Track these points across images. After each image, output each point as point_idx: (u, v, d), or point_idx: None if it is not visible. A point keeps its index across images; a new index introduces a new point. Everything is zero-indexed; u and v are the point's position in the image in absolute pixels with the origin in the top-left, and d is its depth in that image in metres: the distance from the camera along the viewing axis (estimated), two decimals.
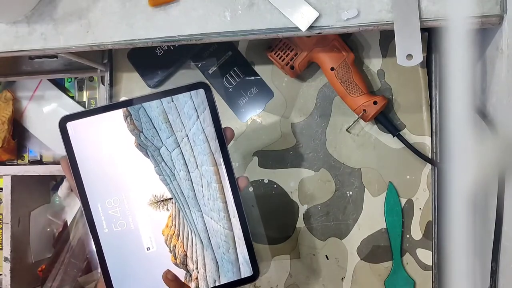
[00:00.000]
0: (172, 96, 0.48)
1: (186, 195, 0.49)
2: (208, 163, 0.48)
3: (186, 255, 0.49)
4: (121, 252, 0.49)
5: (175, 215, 0.49)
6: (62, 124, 0.48)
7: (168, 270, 0.48)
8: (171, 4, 0.52)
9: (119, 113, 0.48)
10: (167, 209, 0.49)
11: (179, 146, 0.48)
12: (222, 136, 0.48)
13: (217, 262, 0.49)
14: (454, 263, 0.24)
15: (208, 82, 0.48)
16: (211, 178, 0.49)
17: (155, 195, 0.49)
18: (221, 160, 0.48)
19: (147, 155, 0.49)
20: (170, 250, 0.49)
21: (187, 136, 0.48)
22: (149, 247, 0.49)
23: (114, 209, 0.48)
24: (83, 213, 0.48)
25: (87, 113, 0.49)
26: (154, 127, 0.48)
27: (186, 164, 0.49)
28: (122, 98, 0.70)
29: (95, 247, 0.48)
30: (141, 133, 0.48)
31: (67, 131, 0.48)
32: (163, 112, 0.48)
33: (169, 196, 0.49)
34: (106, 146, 0.48)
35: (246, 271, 0.49)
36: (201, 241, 0.49)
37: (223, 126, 0.49)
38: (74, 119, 0.48)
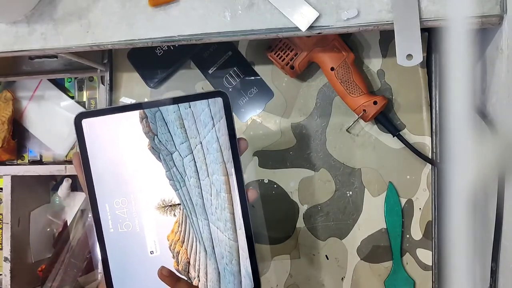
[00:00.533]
0: (190, 102, 0.48)
1: (194, 202, 0.49)
2: (219, 172, 0.48)
3: (188, 263, 0.49)
4: (125, 253, 0.49)
5: (182, 222, 0.49)
6: (78, 120, 0.48)
7: (163, 267, 0.47)
8: (171, 4, 0.52)
9: (135, 114, 0.48)
10: (174, 215, 0.49)
11: (192, 152, 0.48)
12: (236, 146, 0.48)
13: (219, 272, 0.49)
14: (454, 263, 0.24)
15: (225, 91, 0.48)
16: (221, 188, 0.48)
17: (164, 200, 0.49)
18: (233, 170, 0.48)
19: (159, 159, 0.48)
20: (173, 256, 0.49)
21: (201, 143, 0.48)
22: (152, 251, 0.49)
23: (121, 210, 0.48)
24: (90, 211, 0.48)
25: (103, 111, 0.49)
26: (169, 131, 0.48)
27: (197, 171, 0.48)
28: (122, 99, 0.70)
29: (99, 246, 0.48)
30: (155, 136, 0.48)
31: (82, 127, 0.48)
32: (180, 118, 0.48)
33: (178, 201, 0.49)
34: (119, 146, 0.48)
35: (247, 284, 0.48)
36: (205, 249, 0.49)
37: (237, 137, 0.48)
38: (90, 116, 0.48)
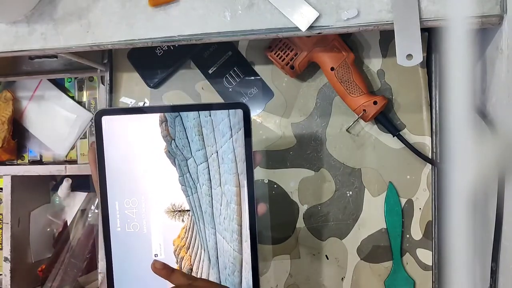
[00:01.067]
0: (211, 111, 0.48)
1: (203, 210, 0.49)
2: (232, 183, 0.48)
3: (191, 269, 0.49)
4: (129, 253, 0.49)
5: (189, 228, 0.49)
6: (98, 116, 0.48)
7: (155, 260, 0.47)
8: (171, 4, 0.52)
9: (155, 117, 0.48)
10: (183, 220, 0.49)
11: (207, 161, 0.48)
12: (251, 159, 0.48)
13: (220, 282, 0.49)
14: (454, 263, 0.24)
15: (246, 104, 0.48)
16: (232, 199, 0.48)
17: (174, 204, 0.49)
18: (245, 182, 0.48)
19: (174, 164, 0.49)
20: (177, 261, 0.49)
21: (217, 152, 0.48)
22: (157, 254, 0.49)
23: (130, 210, 0.49)
24: (100, 207, 0.48)
25: (124, 110, 0.49)
26: (187, 137, 0.48)
27: (210, 179, 0.49)
28: (122, 99, 0.70)
29: (104, 243, 0.48)
30: (173, 141, 0.48)
31: (101, 124, 0.48)
32: (199, 125, 0.48)
33: (187, 208, 0.49)
34: (136, 147, 0.48)
35: None
36: (209, 258, 0.49)
37: (253, 150, 0.48)
38: (111, 114, 0.48)
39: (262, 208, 0.49)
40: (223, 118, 0.48)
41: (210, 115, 0.48)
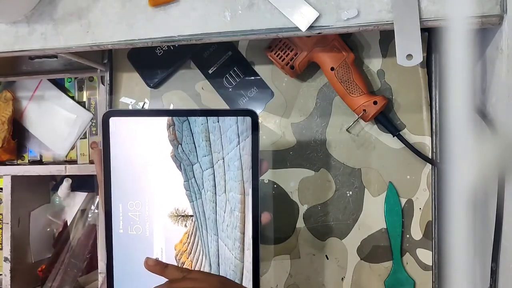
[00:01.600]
0: (219, 117, 0.48)
1: (207, 216, 0.49)
2: (237, 191, 0.48)
3: None
4: (130, 255, 0.49)
5: (192, 233, 0.49)
6: (106, 117, 0.48)
7: (148, 257, 0.47)
8: (171, 4, 0.52)
9: (163, 120, 0.48)
10: (185, 226, 0.49)
11: (213, 167, 0.48)
12: (257, 167, 0.48)
13: None
14: (454, 263, 0.24)
15: (254, 110, 0.48)
16: (236, 206, 0.48)
17: (177, 209, 0.49)
18: (250, 190, 0.48)
19: (180, 168, 0.48)
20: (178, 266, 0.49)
21: (223, 159, 0.48)
22: (158, 258, 0.49)
23: (134, 212, 0.48)
24: (103, 208, 0.48)
25: (132, 112, 0.49)
26: (194, 142, 0.48)
27: (215, 186, 0.48)
28: (122, 99, 0.70)
29: (106, 244, 0.48)
30: (179, 145, 0.48)
31: (108, 125, 0.48)
32: (206, 130, 0.48)
33: (191, 213, 0.49)
34: (142, 149, 0.48)
35: None
36: (210, 265, 0.49)
37: (260, 158, 0.48)
38: (119, 115, 0.48)
39: (266, 217, 0.49)
40: (231, 124, 0.48)
41: (218, 121, 0.48)
